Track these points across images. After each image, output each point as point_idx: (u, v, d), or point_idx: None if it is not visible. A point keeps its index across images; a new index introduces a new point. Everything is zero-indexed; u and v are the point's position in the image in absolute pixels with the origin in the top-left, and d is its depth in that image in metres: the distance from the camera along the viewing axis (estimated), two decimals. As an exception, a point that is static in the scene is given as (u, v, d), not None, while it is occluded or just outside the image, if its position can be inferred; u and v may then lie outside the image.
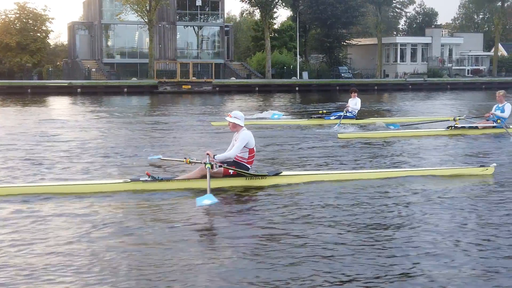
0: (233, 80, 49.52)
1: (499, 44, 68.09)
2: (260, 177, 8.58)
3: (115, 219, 6.76)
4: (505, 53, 72.48)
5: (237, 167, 8.38)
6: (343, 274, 5.10)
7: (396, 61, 62.16)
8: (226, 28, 58.54)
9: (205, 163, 8.00)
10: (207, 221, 6.86)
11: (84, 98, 35.92)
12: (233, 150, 8.42)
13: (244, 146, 8.42)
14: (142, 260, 5.38)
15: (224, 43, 57.71)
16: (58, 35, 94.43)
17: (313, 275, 5.06)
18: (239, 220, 6.82)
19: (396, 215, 7.00)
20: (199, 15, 57.18)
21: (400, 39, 64.21)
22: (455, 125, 14.97)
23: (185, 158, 8.73)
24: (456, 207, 7.44)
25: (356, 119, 17.70)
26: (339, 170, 9.85)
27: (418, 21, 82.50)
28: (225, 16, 61.07)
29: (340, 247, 5.78)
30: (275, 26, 66.37)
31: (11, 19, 54.38)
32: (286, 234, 6.20)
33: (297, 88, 46.54)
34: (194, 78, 44.06)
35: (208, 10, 57.75)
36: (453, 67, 64.19)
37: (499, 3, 64.49)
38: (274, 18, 64.14)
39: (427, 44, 63.66)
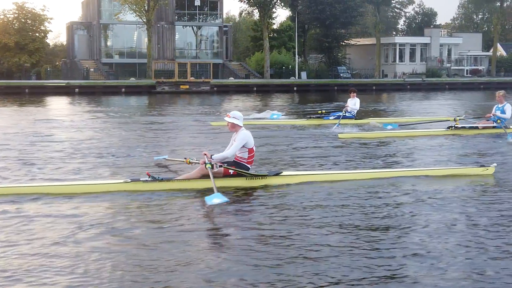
0: (231, 80, 49.51)
1: (498, 44, 68.09)
2: (260, 177, 8.58)
3: (115, 219, 6.77)
4: (504, 53, 72.47)
5: (237, 167, 8.39)
6: (344, 275, 5.07)
7: (395, 61, 62.16)
8: (224, 28, 58.56)
9: (205, 163, 8.03)
10: (207, 221, 6.85)
11: (82, 98, 35.90)
12: (231, 149, 8.43)
13: (244, 146, 8.42)
14: (141, 260, 5.37)
15: (223, 43, 57.70)
16: (57, 35, 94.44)
17: (313, 275, 5.04)
18: (239, 220, 6.81)
19: (396, 216, 6.98)
20: (197, 15, 57.18)
21: (398, 39, 64.20)
22: (456, 125, 15.01)
23: (185, 158, 8.75)
24: (456, 207, 7.44)
25: (355, 119, 17.70)
26: (340, 170, 9.85)
27: (417, 21, 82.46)
28: (224, 16, 61.10)
29: (339, 247, 5.77)
30: (274, 26, 66.36)
31: (10, 19, 54.31)
32: (287, 234, 6.18)
33: (295, 88, 46.52)
34: (192, 78, 44.01)
35: (207, 10, 57.75)
36: (452, 67, 64.18)
37: (498, 3, 64.45)
38: (273, 18, 64.18)
39: (426, 44, 63.66)
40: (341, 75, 54.42)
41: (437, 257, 5.54)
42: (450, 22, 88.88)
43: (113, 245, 5.80)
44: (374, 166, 10.42)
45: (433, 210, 7.22)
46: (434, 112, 23.60)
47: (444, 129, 15.11)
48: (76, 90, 40.49)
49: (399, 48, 62.35)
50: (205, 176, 8.21)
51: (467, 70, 65.95)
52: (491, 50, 65.83)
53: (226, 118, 8.61)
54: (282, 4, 59.93)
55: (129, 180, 8.20)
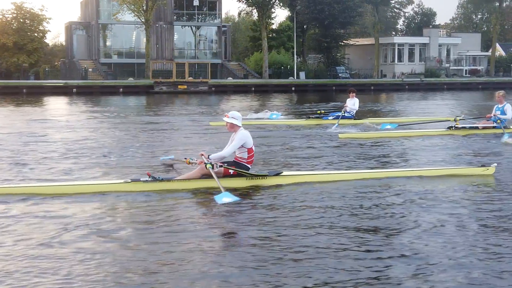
0: (229, 80, 49.51)
1: (497, 44, 68.06)
2: (260, 177, 8.59)
3: (115, 219, 6.80)
4: (503, 53, 72.42)
5: (237, 167, 8.40)
6: (343, 276, 5.07)
7: (393, 61, 62.13)
8: (223, 28, 58.56)
9: (205, 163, 8.05)
10: (207, 221, 6.85)
11: (80, 98, 35.90)
12: (229, 148, 8.45)
13: (243, 146, 8.44)
14: (141, 260, 5.38)
15: (222, 43, 57.71)
16: (57, 35, 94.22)
17: (315, 275, 5.05)
18: (240, 220, 6.82)
19: (395, 216, 6.98)
20: (196, 15, 57.19)
21: (397, 39, 64.15)
22: (456, 125, 15.04)
23: (185, 158, 8.77)
24: (456, 207, 7.46)
25: (354, 119, 17.72)
26: (340, 170, 9.85)
27: (416, 21, 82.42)
28: (224, 16, 61.11)
29: (339, 247, 5.78)
30: (273, 26, 66.34)
31: (8, 19, 54.35)
32: (287, 234, 6.19)
33: (293, 88, 46.50)
34: (190, 78, 44.01)
35: (206, 10, 57.75)
36: (451, 67, 64.12)
37: (497, 3, 64.40)
38: (272, 18, 64.12)
39: (424, 44, 63.62)
40: (339, 75, 54.39)
41: (449, 256, 5.55)
42: (450, 22, 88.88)
43: (113, 245, 5.82)
44: (374, 166, 10.44)
45: (433, 210, 7.23)
46: (432, 112, 23.59)
47: (444, 129, 15.15)
48: (74, 90, 40.48)
49: (398, 48, 62.32)
50: (205, 176, 8.23)
51: (466, 70, 65.89)
52: (490, 50, 65.78)
53: (225, 119, 8.63)
54: (281, 4, 59.95)
55: (130, 180, 8.24)
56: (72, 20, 61.31)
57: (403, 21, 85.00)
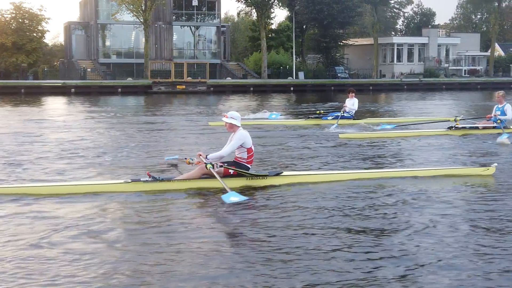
0: (228, 80, 49.50)
1: (497, 44, 68.06)
2: (261, 177, 8.59)
3: (115, 219, 6.81)
4: (502, 53, 72.42)
5: (237, 167, 8.40)
6: (343, 277, 5.05)
7: (392, 61, 62.13)
8: (222, 28, 58.57)
9: (206, 163, 8.07)
10: (207, 221, 6.85)
11: (78, 98, 35.90)
12: (227, 148, 8.45)
13: (242, 146, 8.44)
14: (140, 260, 5.39)
15: (221, 43, 57.72)
16: (56, 35, 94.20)
17: (315, 276, 5.05)
18: (240, 220, 6.81)
19: (395, 216, 6.97)
20: (195, 15, 57.19)
21: (396, 39, 64.14)
22: (456, 125, 15.05)
23: (185, 158, 8.76)
24: (457, 207, 7.47)
25: (353, 119, 17.72)
26: (340, 170, 9.86)
27: (416, 21, 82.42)
28: (223, 16, 61.13)
29: (339, 248, 5.77)
30: (273, 26, 66.34)
31: (7, 19, 54.41)
32: (287, 235, 6.18)
33: (291, 88, 46.49)
34: (189, 78, 44.01)
35: (205, 10, 57.75)
36: (450, 67, 64.11)
37: (496, 3, 64.41)
38: (271, 18, 64.11)
39: (423, 44, 63.63)
40: (338, 75, 54.41)
41: (449, 256, 5.54)
42: (449, 22, 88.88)
43: (113, 245, 5.82)
44: (375, 166, 10.44)
45: (433, 211, 7.23)
46: (431, 113, 23.57)
47: (444, 129, 15.17)
48: (72, 90, 40.48)
49: (397, 48, 62.32)
50: (205, 176, 8.25)
51: (465, 70, 65.88)
52: (489, 50, 65.78)
53: (224, 119, 8.62)
54: (280, 4, 59.92)
55: (130, 180, 8.24)
56: (71, 20, 61.29)
57: (402, 21, 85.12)
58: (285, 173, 8.95)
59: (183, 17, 57.03)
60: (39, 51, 56.05)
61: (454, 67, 65.06)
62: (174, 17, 56.16)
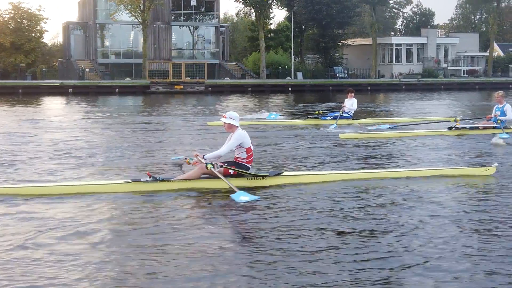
0: (226, 80, 49.49)
1: (496, 44, 68.03)
2: (261, 177, 8.60)
3: (116, 219, 6.82)
4: (501, 53, 72.38)
5: (237, 167, 8.40)
6: (343, 278, 5.05)
7: (391, 61, 62.10)
8: (221, 29, 58.53)
9: (206, 164, 8.09)
10: (208, 221, 6.84)
11: (75, 98, 35.90)
12: (225, 148, 8.44)
13: (241, 146, 8.45)
14: (140, 261, 5.40)
15: (220, 43, 57.70)
16: (56, 35, 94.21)
17: (315, 277, 5.04)
18: (240, 221, 6.83)
19: (395, 217, 6.97)
20: (194, 15, 57.16)
21: (395, 39, 64.11)
22: (456, 126, 15.07)
23: (185, 158, 8.77)
24: (457, 207, 7.48)
25: (353, 119, 17.74)
26: (340, 170, 9.87)
27: (415, 21, 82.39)
28: (223, 16, 61.13)
29: (338, 248, 5.77)
30: (272, 26, 66.32)
31: (5, 19, 54.39)
32: (287, 235, 6.19)
33: (290, 89, 46.48)
34: (188, 78, 44.01)
35: (203, 10, 57.73)
36: (449, 68, 64.08)
37: (495, 3, 64.37)
38: (270, 18, 64.10)
39: (422, 45, 63.59)
40: (337, 75, 54.39)
41: (448, 257, 5.55)
42: (448, 22, 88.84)
43: (112, 246, 5.83)
44: (375, 166, 10.46)
45: (434, 211, 7.23)
46: (429, 113, 23.60)
47: (445, 130, 15.21)
48: (70, 90, 40.48)
49: (396, 48, 62.29)
50: (205, 176, 8.27)
51: (464, 70, 65.83)
52: (488, 51, 65.73)
53: (223, 119, 8.62)
54: (278, 4, 59.89)
55: (130, 180, 8.26)
56: (70, 20, 61.28)
57: (401, 21, 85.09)
58: (285, 173, 8.97)
59: (182, 17, 57.00)
60: (37, 51, 56.04)
61: (453, 67, 65.01)
62: (172, 17, 56.14)
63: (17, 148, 12.64)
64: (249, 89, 45.08)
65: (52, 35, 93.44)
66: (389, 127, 16.24)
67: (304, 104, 29.95)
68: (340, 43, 60.27)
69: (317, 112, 19.10)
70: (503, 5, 66.53)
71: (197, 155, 8.33)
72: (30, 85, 42.59)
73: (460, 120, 15.42)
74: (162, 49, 55.13)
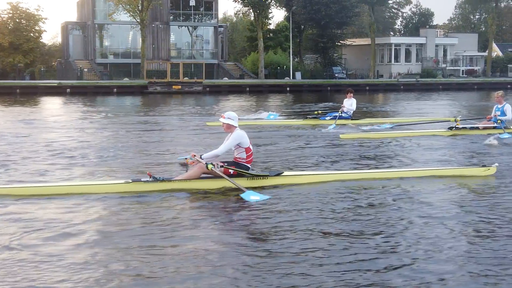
0: (225, 80, 49.46)
1: (495, 44, 68.02)
2: (261, 178, 8.60)
3: (116, 220, 6.81)
4: (500, 53, 72.36)
5: (237, 167, 8.40)
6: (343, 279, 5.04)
7: (390, 61, 62.09)
8: (220, 29, 58.52)
9: (206, 164, 8.09)
10: (208, 221, 6.83)
11: (73, 98, 35.86)
12: (222, 147, 8.45)
13: (239, 146, 8.45)
14: (140, 260, 5.40)
15: (218, 43, 57.68)
16: (55, 35, 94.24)
17: (315, 278, 5.03)
18: (240, 221, 6.83)
19: (395, 217, 6.96)
20: (193, 15, 57.15)
21: (394, 39, 64.12)
22: (456, 126, 15.07)
23: (185, 158, 8.77)
24: (457, 207, 7.47)
25: (352, 119, 17.74)
26: (341, 170, 9.87)
27: (414, 21, 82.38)
28: (222, 16, 61.16)
29: (338, 248, 5.77)
30: (270, 27, 66.33)
31: (4, 19, 54.41)
32: (288, 235, 6.18)
33: (288, 89, 46.44)
34: (186, 78, 43.98)
35: (202, 10, 57.74)
36: (448, 68, 64.07)
37: (494, 3, 64.36)
38: (268, 19, 64.08)
39: (421, 45, 63.57)
40: (336, 75, 54.37)
41: (448, 257, 5.54)
42: (447, 22, 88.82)
43: (113, 246, 5.84)
44: (375, 166, 10.46)
45: (434, 211, 7.23)
46: (428, 113, 23.57)
47: (445, 130, 15.20)
48: (68, 90, 40.43)
49: (395, 49, 62.28)
50: (205, 176, 8.29)
51: (462, 70, 65.81)
52: (487, 51, 65.71)
53: (221, 119, 8.63)
54: (277, 4, 59.86)
55: (130, 181, 8.26)
56: (68, 20, 61.25)
57: (401, 21, 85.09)
58: (285, 173, 8.98)
59: (181, 17, 56.99)
60: (36, 51, 56.06)
61: (452, 67, 64.99)
62: (171, 17, 56.13)
63: (10, 148, 12.60)
64: (247, 89, 45.03)
65: (52, 35, 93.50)
66: (390, 127, 16.26)
67: (302, 104, 29.91)
68: (339, 43, 60.22)
69: (316, 112, 19.12)
70: (502, 5, 66.47)
71: (195, 155, 8.34)
72: (28, 85, 42.55)
73: (460, 120, 15.41)
74: (161, 49, 55.12)
